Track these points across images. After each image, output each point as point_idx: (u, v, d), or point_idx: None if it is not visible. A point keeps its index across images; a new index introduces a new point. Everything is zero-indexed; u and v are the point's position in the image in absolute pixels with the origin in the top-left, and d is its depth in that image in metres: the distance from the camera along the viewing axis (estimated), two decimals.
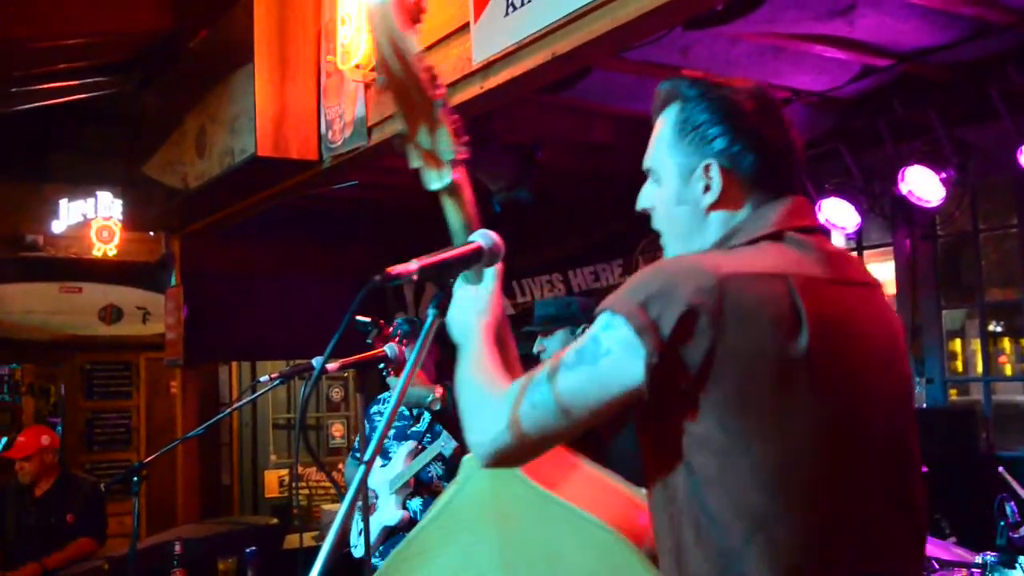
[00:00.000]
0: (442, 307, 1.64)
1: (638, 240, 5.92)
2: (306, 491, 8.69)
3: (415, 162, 1.66)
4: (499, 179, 4.34)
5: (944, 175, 4.45)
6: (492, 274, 1.75)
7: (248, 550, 5.05)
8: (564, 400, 1.42)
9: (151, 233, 7.40)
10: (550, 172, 5.31)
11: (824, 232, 1.56)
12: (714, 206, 1.53)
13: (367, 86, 4.27)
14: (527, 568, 1.78)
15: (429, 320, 1.64)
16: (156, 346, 7.76)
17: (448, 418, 3.62)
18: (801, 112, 4.63)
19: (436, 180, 1.67)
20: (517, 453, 1.48)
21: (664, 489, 1.44)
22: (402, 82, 1.57)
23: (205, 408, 6.91)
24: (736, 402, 1.34)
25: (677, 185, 1.57)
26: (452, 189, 1.69)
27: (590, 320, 1.50)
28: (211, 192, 5.42)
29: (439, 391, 3.47)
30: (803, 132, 5.03)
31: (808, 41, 3.82)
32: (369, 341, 3.26)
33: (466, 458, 1.93)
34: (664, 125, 1.61)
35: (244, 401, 3.77)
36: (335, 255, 6.70)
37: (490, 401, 1.50)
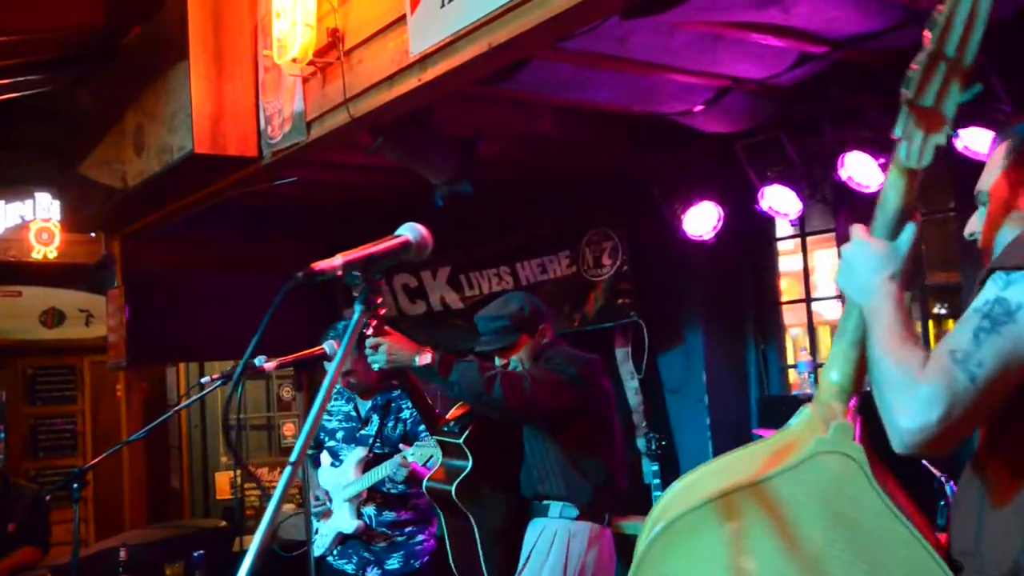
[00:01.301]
0: (368, 303, 1.62)
1: (584, 231, 5.92)
2: (258, 492, 8.60)
3: (902, 129, 1.56)
4: (440, 172, 4.31)
5: (882, 160, 4.51)
6: (911, 232, 1.66)
7: (196, 554, 4.99)
8: (989, 374, 1.41)
9: (91, 234, 7.25)
10: (494, 165, 5.29)
11: None
12: None
13: (305, 80, 4.21)
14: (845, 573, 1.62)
15: (356, 316, 1.62)
16: (100, 349, 7.62)
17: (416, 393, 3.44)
18: (742, 100, 4.65)
19: (917, 156, 1.56)
20: (953, 434, 1.43)
21: None
22: (946, 42, 1.51)
23: (151, 411, 6.80)
24: None
25: (1007, 196, 1.67)
26: (918, 174, 1.59)
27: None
28: (150, 191, 5.33)
29: (427, 354, 3.18)
30: (744, 120, 5.05)
31: (745, 29, 3.82)
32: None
33: (816, 438, 1.66)
34: (998, 155, 1.71)
35: (185, 403, 3.70)
36: (279, 253, 6.60)
37: (919, 384, 1.43)
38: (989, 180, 1.71)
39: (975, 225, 1.74)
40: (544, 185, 6.01)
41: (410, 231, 1.67)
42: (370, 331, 3.16)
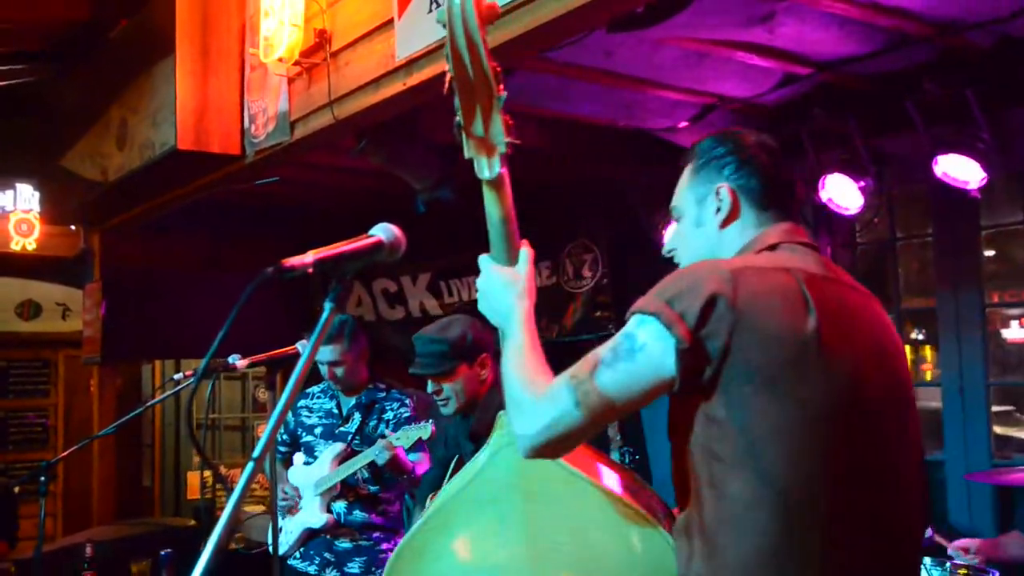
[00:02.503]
0: (339, 300, 1.61)
1: (566, 242, 5.93)
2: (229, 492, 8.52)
3: (468, 152, 1.74)
4: (423, 178, 4.31)
5: (862, 184, 4.54)
6: (526, 256, 1.87)
7: (163, 552, 4.95)
8: (607, 395, 1.56)
9: (71, 227, 7.21)
10: (474, 172, 5.30)
11: (816, 249, 1.76)
12: (726, 222, 1.76)
13: (290, 80, 4.21)
14: (551, 541, 1.81)
15: (325, 314, 1.61)
16: (76, 343, 7.56)
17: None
18: (726, 118, 4.68)
19: (487, 169, 1.75)
20: (559, 446, 1.63)
21: (688, 470, 1.62)
22: (467, 75, 1.64)
23: (125, 407, 6.74)
24: (755, 377, 1.51)
25: (695, 211, 1.79)
26: (498, 181, 1.77)
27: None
28: (132, 185, 5.31)
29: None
30: None
31: (731, 47, 3.85)
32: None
33: (496, 434, 1.96)
34: (686, 171, 1.84)
35: (157, 399, 3.67)
36: (260, 252, 6.59)
37: (537, 397, 1.62)
38: (678, 198, 1.84)
39: (672, 241, 1.87)
40: (526, 195, 6.01)
41: (383, 231, 1.67)
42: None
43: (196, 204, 5.61)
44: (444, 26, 1.65)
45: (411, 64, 3.53)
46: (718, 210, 1.75)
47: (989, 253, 5.09)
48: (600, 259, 5.76)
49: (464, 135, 1.72)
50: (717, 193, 1.75)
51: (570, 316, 5.89)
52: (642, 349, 1.55)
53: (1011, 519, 4.27)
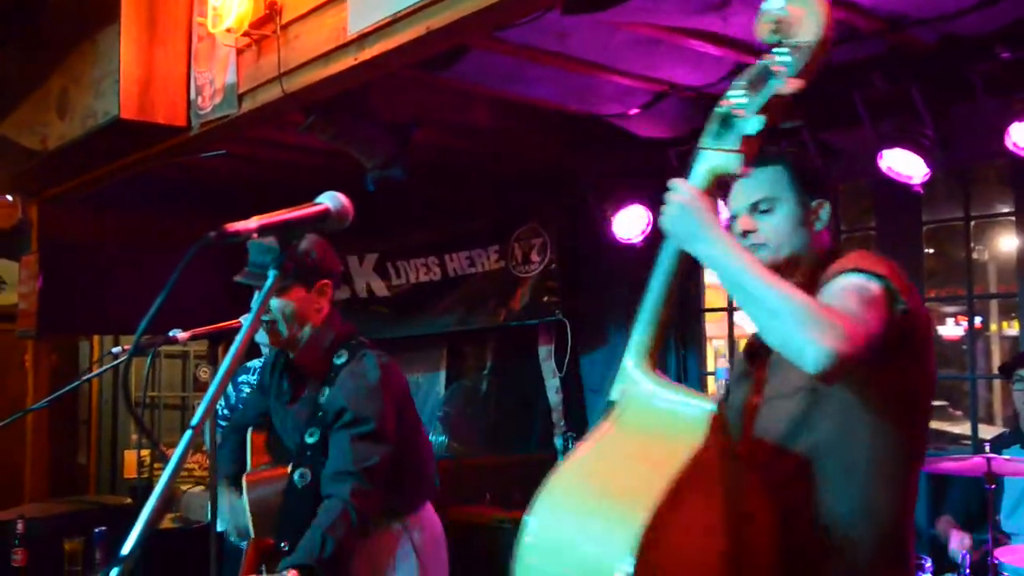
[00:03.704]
0: (283, 268, 1.58)
1: (515, 227, 5.93)
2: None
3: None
4: (373, 156, 4.26)
5: None
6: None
7: (97, 530, 4.86)
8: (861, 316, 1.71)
9: (8, 197, 7.00)
10: (429, 153, 5.26)
11: None
12: (818, 236, 2.01)
13: (239, 52, 4.13)
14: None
15: (269, 280, 1.58)
16: (10, 317, 7.36)
17: None
18: (677, 106, 4.70)
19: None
20: (857, 354, 1.64)
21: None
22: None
23: (60, 383, 6.58)
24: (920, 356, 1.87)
25: (800, 212, 2.00)
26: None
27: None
28: (72, 155, 5.18)
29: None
30: (679, 126, 5.08)
31: (684, 35, 3.86)
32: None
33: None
34: (779, 171, 2.02)
35: (94, 374, 3.56)
36: (205, 229, 6.48)
37: (821, 314, 1.64)
38: (776, 190, 2.07)
39: (764, 231, 2.03)
40: (478, 178, 5.99)
41: (330, 200, 1.64)
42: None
43: (140, 177, 5.49)
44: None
45: (363, 39, 3.48)
46: (818, 219, 2.00)
47: (928, 251, 5.20)
48: (549, 244, 5.76)
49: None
50: (819, 207, 2.01)
51: (518, 300, 5.89)
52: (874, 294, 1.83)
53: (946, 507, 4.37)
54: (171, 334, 2.95)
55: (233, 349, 1.48)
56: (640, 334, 1.79)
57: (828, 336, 1.59)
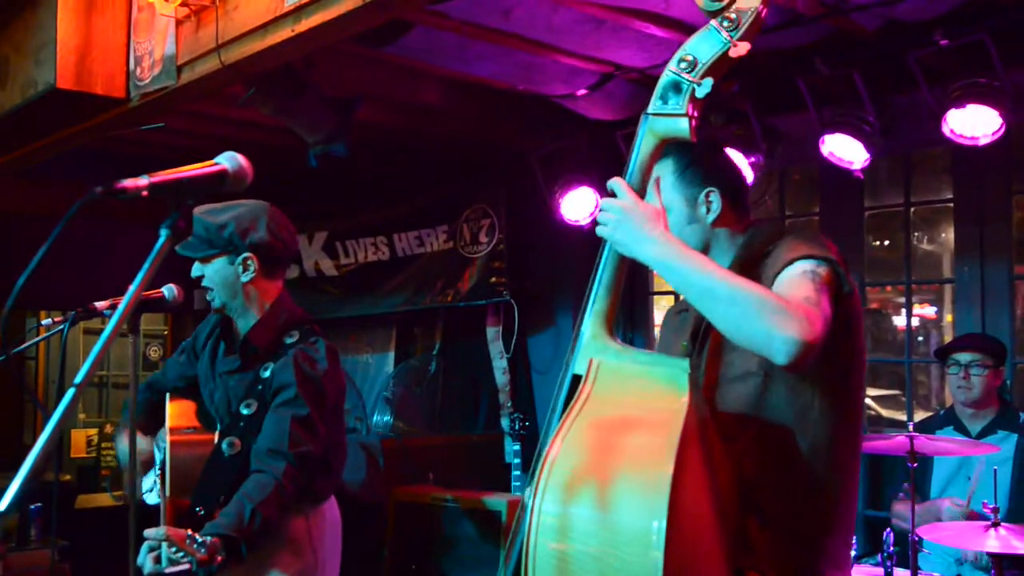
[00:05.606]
0: (176, 229, 1.55)
1: (464, 207, 5.90)
2: (114, 452, 8.31)
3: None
4: (315, 131, 4.21)
5: (754, 159, 4.61)
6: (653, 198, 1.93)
7: (33, 507, 4.81)
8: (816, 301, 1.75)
9: None
10: (378, 132, 5.22)
11: None
12: (716, 223, 2.04)
13: (178, 23, 4.06)
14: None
15: (160, 241, 1.55)
16: None
17: None
18: (624, 88, 4.70)
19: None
20: (821, 340, 1.68)
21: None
22: None
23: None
24: (853, 332, 1.90)
25: (687, 210, 2.04)
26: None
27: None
28: (10, 126, 5.07)
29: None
30: (626, 108, 5.06)
31: (627, 15, 3.85)
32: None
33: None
34: (665, 171, 2.04)
35: (23, 346, 3.48)
36: (144, 204, 6.39)
37: (782, 305, 1.68)
38: (666, 194, 2.13)
39: None
40: (426, 157, 5.96)
41: (228, 160, 1.61)
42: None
43: (79, 151, 5.40)
44: None
45: (300, 10, 3.43)
46: (708, 211, 2.03)
47: (869, 238, 5.24)
48: (497, 225, 5.75)
49: None
50: (707, 196, 2.03)
51: (466, 281, 5.87)
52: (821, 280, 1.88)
53: (881, 489, 4.41)
54: (93, 305, 2.90)
55: (120, 308, 1.45)
56: (597, 303, 1.81)
57: (793, 326, 1.63)
